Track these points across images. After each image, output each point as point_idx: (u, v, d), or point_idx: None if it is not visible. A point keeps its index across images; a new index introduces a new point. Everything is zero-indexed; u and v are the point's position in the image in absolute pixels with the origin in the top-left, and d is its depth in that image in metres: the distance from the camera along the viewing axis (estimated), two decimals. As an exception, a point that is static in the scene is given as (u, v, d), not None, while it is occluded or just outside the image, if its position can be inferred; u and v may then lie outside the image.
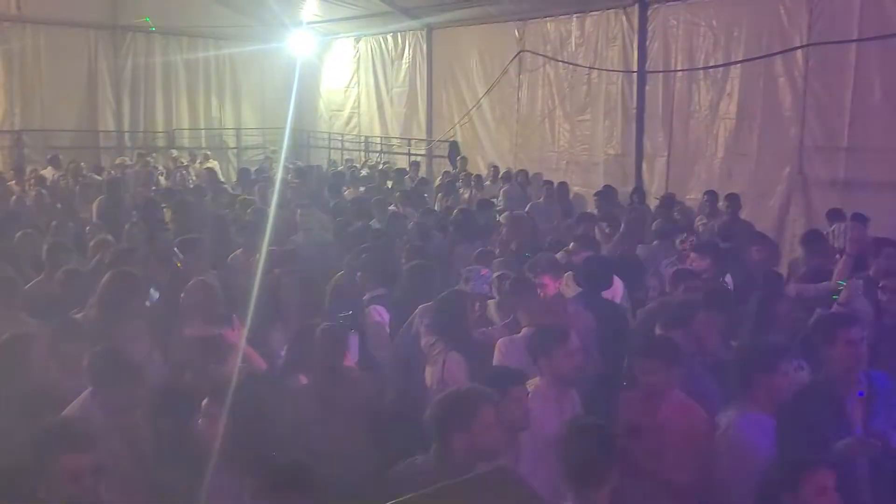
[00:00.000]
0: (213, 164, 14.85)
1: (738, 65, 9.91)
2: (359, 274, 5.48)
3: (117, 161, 14.16)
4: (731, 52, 10.01)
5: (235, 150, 17.25)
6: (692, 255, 6.08)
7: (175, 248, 6.12)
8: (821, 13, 9.01)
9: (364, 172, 13.42)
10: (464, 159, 13.50)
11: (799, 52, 9.24)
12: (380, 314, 5.01)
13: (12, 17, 14.36)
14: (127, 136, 16.31)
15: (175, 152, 15.31)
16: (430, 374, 4.31)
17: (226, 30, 16.31)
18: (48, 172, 11.66)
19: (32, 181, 10.86)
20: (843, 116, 8.90)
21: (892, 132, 8.46)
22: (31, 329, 4.21)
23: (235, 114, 17.83)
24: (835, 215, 7.82)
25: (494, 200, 10.28)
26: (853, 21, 8.70)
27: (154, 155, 15.17)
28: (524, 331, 4.41)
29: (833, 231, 7.48)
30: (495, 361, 4.28)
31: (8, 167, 13.55)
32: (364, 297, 5.22)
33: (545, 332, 3.94)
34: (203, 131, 17.36)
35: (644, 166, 11.24)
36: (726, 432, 3.44)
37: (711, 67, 10.22)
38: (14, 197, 9.05)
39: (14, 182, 10.99)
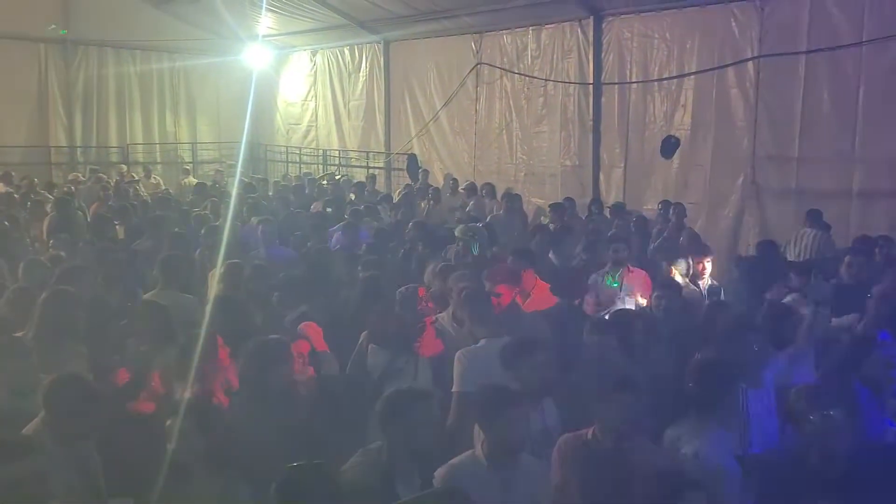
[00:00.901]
0: (157, 179, 14.63)
1: (692, 76, 10.08)
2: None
3: (70, 177, 13.80)
4: (684, 64, 10.18)
5: (191, 165, 16.93)
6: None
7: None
8: (771, 26, 9.22)
9: (324, 184, 13.28)
10: (425, 172, 13.46)
11: (750, 64, 9.44)
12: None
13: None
14: (79, 151, 15.92)
15: (124, 167, 14.96)
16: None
17: (180, 43, 16.06)
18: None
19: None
20: (793, 127, 9.09)
21: (841, 142, 8.66)
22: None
23: (191, 128, 17.55)
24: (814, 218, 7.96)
25: (457, 213, 10.27)
26: (802, 33, 8.91)
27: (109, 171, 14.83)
28: (483, 342, 4.40)
29: (803, 235, 7.67)
30: (456, 373, 4.26)
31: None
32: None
33: (515, 344, 3.95)
34: (158, 146, 17.04)
35: (601, 177, 11.33)
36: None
37: (665, 79, 10.38)
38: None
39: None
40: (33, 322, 4.36)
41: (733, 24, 9.61)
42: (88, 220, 9.55)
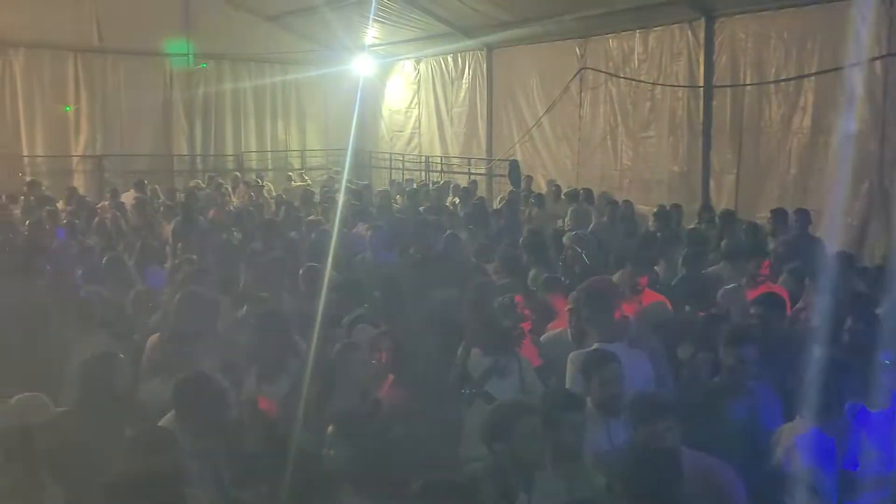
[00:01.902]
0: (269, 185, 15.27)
1: (812, 78, 9.60)
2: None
3: (191, 184, 14.65)
4: (804, 65, 9.71)
5: (301, 172, 17.60)
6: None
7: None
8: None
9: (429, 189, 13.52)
10: (529, 178, 13.45)
11: (878, 63, 8.89)
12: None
13: (95, 49, 15.07)
14: (199, 159, 16.83)
15: (238, 174, 15.72)
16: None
17: (291, 55, 16.74)
18: (130, 196, 12.14)
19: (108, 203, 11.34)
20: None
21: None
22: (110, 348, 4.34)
23: (300, 136, 18.25)
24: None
25: (559, 221, 10.21)
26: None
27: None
28: (595, 346, 4.38)
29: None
30: (568, 374, 4.30)
31: (91, 190, 14.21)
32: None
33: (590, 356, 3.93)
34: (269, 153, 17.80)
35: (711, 183, 10.96)
36: None
37: (783, 81, 9.93)
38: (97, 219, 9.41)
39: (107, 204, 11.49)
40: (168, 322, 4.66)
41: (858, 21, 9.08)
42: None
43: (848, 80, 9.06)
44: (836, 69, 9.26)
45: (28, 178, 13.55)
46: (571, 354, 4.39)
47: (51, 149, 14.95)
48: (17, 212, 10.70)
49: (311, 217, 9.32)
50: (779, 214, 8.82)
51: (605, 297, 4.65)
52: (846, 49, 9.15)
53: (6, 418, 3.37)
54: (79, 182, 14.63)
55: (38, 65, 14.75)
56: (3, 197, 11.60)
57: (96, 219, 9.34)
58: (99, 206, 11.49)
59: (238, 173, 15.83)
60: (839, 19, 9.23)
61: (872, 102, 8.99)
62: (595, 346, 4.37)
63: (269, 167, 17.57)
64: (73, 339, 4.76)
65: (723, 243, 7.51)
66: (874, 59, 8.91)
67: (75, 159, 15.31)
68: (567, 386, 4.24)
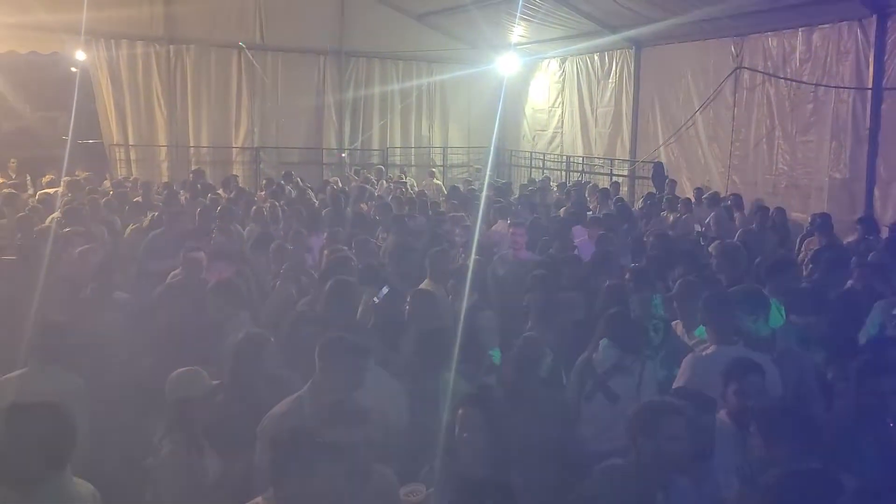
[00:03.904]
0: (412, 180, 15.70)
1: None
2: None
3: (331, 178, 15.29)
4: None
5: (442, 168, 18.01)
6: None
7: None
8: None
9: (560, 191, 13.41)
10: (672, 182, 13.05)
11: None
12: None
13: (257, 46, 16.14)
14: (346, 153, 17.62)
15: (382, 168, 16.28)
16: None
17: (438, 53, 17.15)
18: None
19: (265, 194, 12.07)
20: None
21: None
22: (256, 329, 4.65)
23: (443, 133, 18.65)
24: None
25: (697, 226, 9.84)
26: None
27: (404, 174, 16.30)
28: (712, 348, 4.37)
29: None
30: (679, 375, 4.29)
31: (248, 180, 15.25)
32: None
33: (735, 363, 3.83)
34: (413, 150, 18.33)
35: (876, 192, 10.18)
36: None
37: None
38: (254, 208, 10.01)
39: (263, 194, 12.24)
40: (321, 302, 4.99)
41: None
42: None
43: None
44: None
45: (193, 167, 14.70)
46: (688, 356, 4.37)
47: (214, 140, 16.11)
48: (185, 198, 11.59)
49: (453, 214, 9.48)
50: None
51: (725, 301, 4.58)
52: None
53: (170, 391, 3.70)
54: (237, 171, 15.69)
55: (206, 60, 15.85)
56: (175, 185, 12.65)
57: (254, 207, 9.95)
58: (256, 196, 12.22)
59: (382, 167, 16.41)
60: None
61: None
62: (711, 348, 4.33)
63: (412, 163, 18.08)
64: (225, 318, 5.09)
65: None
66: None
67: (234, 150, 16.44)
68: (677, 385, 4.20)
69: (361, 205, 10.94)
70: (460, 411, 3.32)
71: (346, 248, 7.06)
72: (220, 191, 12.20)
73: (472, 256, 6.48)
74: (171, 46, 15.39)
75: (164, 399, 3.70)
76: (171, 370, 3.77)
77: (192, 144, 15.90)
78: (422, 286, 5.78)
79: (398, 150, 18.16)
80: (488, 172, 13.94)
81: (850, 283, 6.17)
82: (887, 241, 8.50)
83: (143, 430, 3.87)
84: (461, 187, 13.35)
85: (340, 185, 13.74)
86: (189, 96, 15.80)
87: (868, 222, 9.25)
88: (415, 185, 15.46)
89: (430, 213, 10.05)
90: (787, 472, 2.86)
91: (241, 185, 13.54)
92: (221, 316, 5.03)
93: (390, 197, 11.49)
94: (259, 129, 16.52)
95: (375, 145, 17.96)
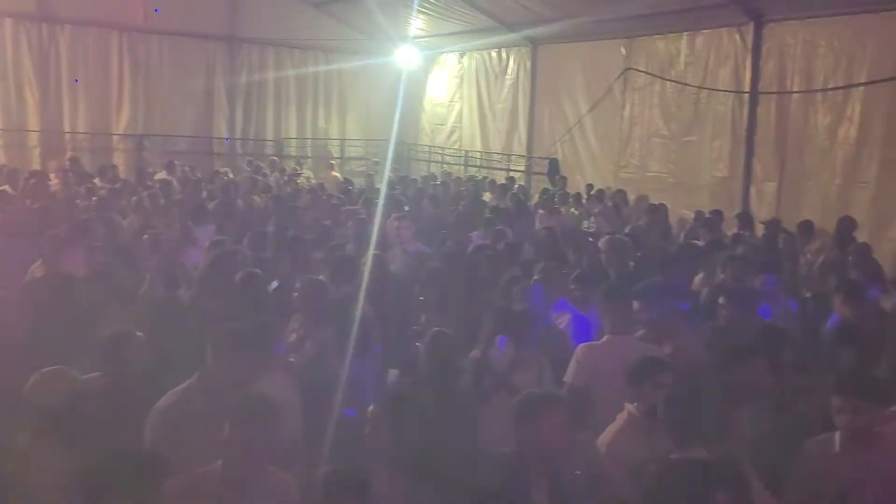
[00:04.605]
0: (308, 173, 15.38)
1: (861, 88, 9.38)
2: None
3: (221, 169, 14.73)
4: (853, 74, 9.49)
5: (339, 161, 17.72)
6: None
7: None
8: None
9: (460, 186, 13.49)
10: (563, 178, 13.36)
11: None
12: None
13: (140, 28, 15.30)
14: (238, 143, 17.03)
15: (276, 159, 15.84)
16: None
17: (335, 43, 16.85)
18: (161, 177, 12.28)
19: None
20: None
21: None
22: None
23: (341, 125, 18.36)
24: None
25: (586, 222, 10.13)
26: None
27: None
28: (605, 338, 4.50)
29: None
30: (571, 366, 4.37)
31: (130, 169, 14.43)
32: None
33: (644, 362, 3.87)
34: (309, 141, 17.94)
35: (753, 191, 10.78)
36: None
37: (831, 90, 9.72)
38: (134, 198, 9.52)
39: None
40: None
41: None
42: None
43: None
44: (886, 79, 9.03)
45: (69, 155, 13.78)
46: (580, 346, 4.46)
47: (92, 126, 15.18)
48: (57, 186, 10.88)
49: (347, 207, 9.33)
50: (802, 227, 8.71)
51: (621, 291, 4.73)
52: (893, 59, 8.95)
53: (32, 394, 3.42)
54: (118, 160, 14.83)
55: (83, 42, 14.92)
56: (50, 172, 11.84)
57: (134, 198, 9.46)
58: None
59: (276, 158, 15.97)
60: (891, 29, 9.02)
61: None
62: (605, 338, 4.46)
63: (309, 154, 17.70)
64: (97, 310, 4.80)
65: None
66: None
67: (115, 137, 15.53)
68: (568, 376, 4.31)
69: (254, 196, 10.60)
70: (370, 409, 3.24)
71: (234, 241, 6.78)
72: (97, 180, 11.53)
73: (371, 251, 6.37)
74: (45, 25, 14.37)
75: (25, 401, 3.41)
76: (36, 368, 3.49)
77: (67, 130, 14.92)
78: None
79: (294, 141, 17.72)
80: (388, 166, 13.81)
81: (721, 276, 6.43)
82: (762, 237, 9.03)
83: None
84: (354, 180, 13.21)
85: (231, 175, 13.26)
86: (64, 79, 14.80)
87: (744, 218, 9.80)
88: (311, 177, 15.14)
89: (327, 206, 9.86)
90: (668, 462, 2.92)
91: (122, 174, 12.85)
92: (92, 308, 4.72)
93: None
94: (143, 115, 15.70)
95: (269, 135, 17.45)
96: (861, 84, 9.38)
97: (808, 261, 8.10)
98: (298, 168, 15.40)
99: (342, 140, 18.35)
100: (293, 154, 17.34)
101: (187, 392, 3.46)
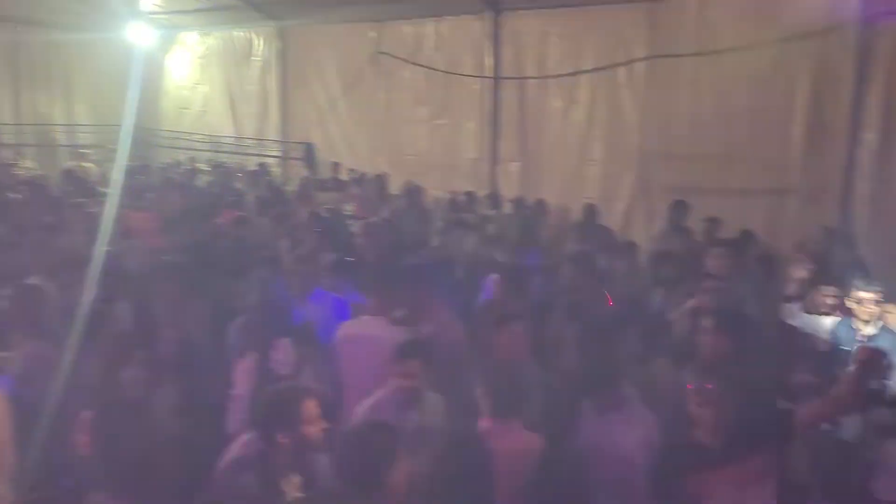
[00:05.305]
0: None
1: (586, 74, 10.28)
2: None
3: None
4: (580, 62, 10.36)
5: (69, 149, 15.78)
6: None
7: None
8: (660, 28, 9.53)
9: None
10: (320, 163, 13.12)
11: (641, 64, 9.72)
12: None
13: None
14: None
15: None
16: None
17: (55, 17, 14.91)
18: None
19: None
20: (681, 125, 9.43)
21: (726, 140, 9.04)
22: None
23: (67, 109, 16.35)
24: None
25: (348, 206, 10.06)
26: (690, 36, 9.24)
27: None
28: (361, 320, 4.59)
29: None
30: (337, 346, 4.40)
31: None
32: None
33: (404, 342, 3.91)
34: (28, 127, 15.76)
35: (499, 171, 11.41)
36: None
37: (560, 76, 10.54)
38: None
39: None
40: None
41: (624, 24, 9.90)
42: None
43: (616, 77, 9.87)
44: (604, 67, 9.97)
45: None
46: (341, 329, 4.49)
47: None
48: None
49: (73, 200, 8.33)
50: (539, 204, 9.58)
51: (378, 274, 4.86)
52: (615, 49, 9.96)
53: None
54: None
55: None
56: None
57: None
58: None
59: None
60: (609, 21, 10.01)
61: (635, 99, 9.83)
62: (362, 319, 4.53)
63: (30, 142, 15.55)
64: None
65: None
66: (637, 60, 9.70)
67: None
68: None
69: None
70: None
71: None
72: None
73: (102, 247, 5.68)
74: None
75: None
76: None
77: None
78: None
79: (8, 127, 15.43)
80: (124, 153, 12.50)
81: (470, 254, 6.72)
82: (511, 215, 9.61)
83: None
84: (74, 169, 11.86)
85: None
86: None
87: (493, 198, 10.36)
88: (37, 168, 13.33)
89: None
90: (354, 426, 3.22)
91: None
92: None
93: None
94: None
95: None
96: (585, 71, 10.28)
97: (548, 235, 8.77)
98: (16, 158, 13.46)
99: (70, 126, 16.34)
100: (10, 142, 15.10)
101: None
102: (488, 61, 11.27)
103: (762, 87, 8.87)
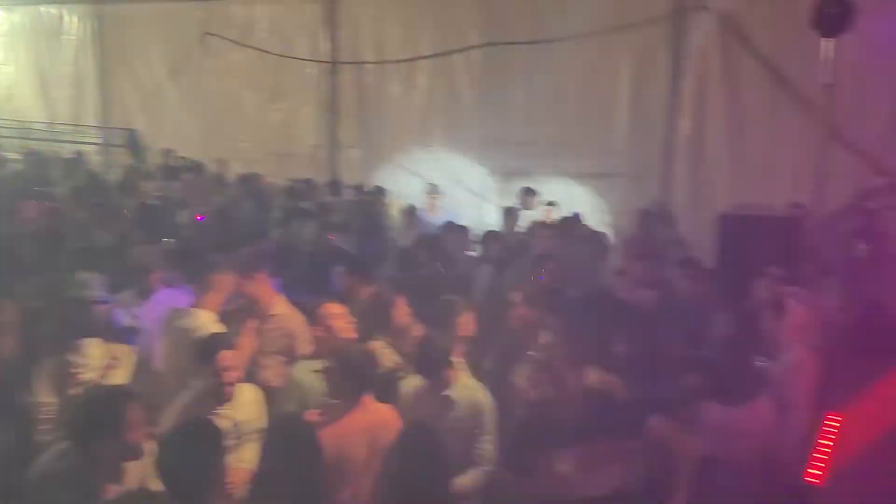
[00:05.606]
0: None
1: (424, 60, 10.30)
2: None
3: None
4: (418, 47, 10.36)
5: None
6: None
7: None
8: (493, 15, 9.72)
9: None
10: (147, 150, 12.25)
11: (477, 51, 9.87)
12: None
13: None
14: None
15: None
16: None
17: None
18: None
19: None
20: (516, 112, 9.69)
21: (561, 127, 9.39)
22: None
23: None
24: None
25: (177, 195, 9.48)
26: (522, 24, 9.50)
27: None
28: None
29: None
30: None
31: None
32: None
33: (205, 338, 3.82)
34: None
35: (340, 157, 11.21)
36: None
37: (398, 62, 10.49)
38: None
39: None
40: None
41: (458, 11, 10.02)
42: None
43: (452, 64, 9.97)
44: (441, 54, 10.04)
45: None
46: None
47: None
48: None
49: None
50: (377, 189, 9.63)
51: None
52: (451, 35, 10.07)
53: None
54: None
55: None
56: None
57: None
58: None
59: None
60: (444, 8, 10.09)
61: (472, 86, 10.03)
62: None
63: None
64: None
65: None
66: (471, 47, 9.84)
67: None
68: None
69: None
70: None
71: None
72: None
73: None
74: None
75: None
76: None
77: None
78: None
79: None
80: None
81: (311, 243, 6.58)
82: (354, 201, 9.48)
83: None
84: None
85: None
86: None
87: (334, 185, 10.18)
88: None
89: None
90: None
91: None
92: None
93: None
94: None
95: None
96: (422, 57, 10.28)
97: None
98: None
99: None
100: None
101: None
102: (324, 45, 11.01)
103: (589, 76, 9.33)
